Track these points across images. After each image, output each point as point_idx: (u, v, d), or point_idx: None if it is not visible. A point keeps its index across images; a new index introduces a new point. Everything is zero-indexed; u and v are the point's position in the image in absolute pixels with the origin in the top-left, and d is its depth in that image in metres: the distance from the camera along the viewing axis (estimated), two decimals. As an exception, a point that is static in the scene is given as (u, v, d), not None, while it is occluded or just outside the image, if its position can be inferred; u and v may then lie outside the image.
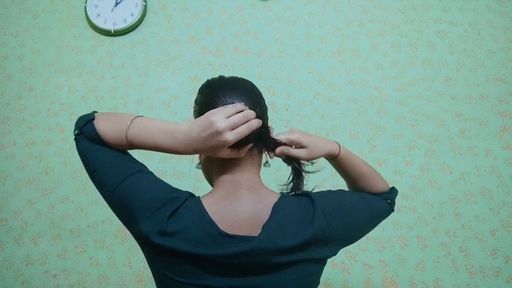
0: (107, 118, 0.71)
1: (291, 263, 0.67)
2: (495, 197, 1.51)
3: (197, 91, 0.76)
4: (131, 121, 0.69)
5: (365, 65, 1.70)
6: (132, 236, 0.74)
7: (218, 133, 0.64)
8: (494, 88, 1.61)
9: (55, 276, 1.59)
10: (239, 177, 0.72)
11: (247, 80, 0.78)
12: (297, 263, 0.67)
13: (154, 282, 0.73)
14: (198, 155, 0.82)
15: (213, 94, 0.71)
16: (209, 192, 0.75)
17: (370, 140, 1.62)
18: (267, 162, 0.80)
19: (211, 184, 0.80)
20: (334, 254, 0.74)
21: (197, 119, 0.69)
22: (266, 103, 0.79)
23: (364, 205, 0.79)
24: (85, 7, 1.81)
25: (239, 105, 0.68)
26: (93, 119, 0.70)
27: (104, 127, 0.69)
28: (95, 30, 1.81)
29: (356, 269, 1.50)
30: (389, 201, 0.86)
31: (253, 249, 0.64)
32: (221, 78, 0.76)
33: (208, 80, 0.77)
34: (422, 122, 1.62)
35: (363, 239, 1.48)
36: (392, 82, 1.67)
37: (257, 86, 0.79)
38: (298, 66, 1.71)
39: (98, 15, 1.80)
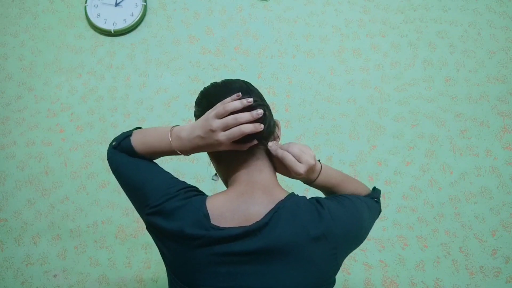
0: (141, 135, 0.82)
1: (287, 255, 0.67)
2: (495, 197, 1.51)
3: (194, 104, 0.79)
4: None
5: (365, 65, 1.69)
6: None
7: (213, 131, 0.70)
8: (494, 88, 1.61)
9: (55, 276, 1.59)
10: (256, 177, 0.74)
11: (241, 79, 0.79)
12: (297, 259, 0.67)
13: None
14: (213, 166, 0.85)
15: (210, 103, 0.74)
16: (223, 191, 0.76)
17: (370, 140, 1.62)
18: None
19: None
20: (339, 262, 0.73)
21: (199, 119, 0.73)
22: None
23: (364, 207, 0.79)
24: (85, 7, 1.81)
25: (228, 101, 0.71)
26: (130, 135, 0.81)
27: (136, 141, 0.81)
28: (95, 30, 1.81)
29: (356, 269, 1.50)
30: (375, 199, 0.88)
31: (245, 230, 0.67)
32: (215, 84, 0.78)
33: (201, 91, 0.79)
34: (422, 122, 1.62)
35: (363, 239, 1.48)
36: (392, 82, 1.67)
37: (257, 86, 0.79)
38: (298, 66, 1.71)
39: (98, 15, 1.80)
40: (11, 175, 1.69)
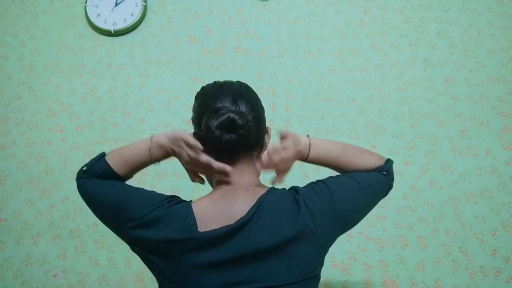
0: (116, 154, 0.86)
1: (275, 250, 0.68)
2: (495, 197, 1.51)
3: (195, 95, 0.81)
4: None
5: (365, 65, 1.69)
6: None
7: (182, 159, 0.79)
8: (494, 88, 1.61)
9: (55, 276, 1.59)
10: (237, 179, 0.76)
11: (241, 83, 0.80)
12: (283, 250, 0.68)
13: (154, 282, 0.74)
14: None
15: (205, 101, 0.76)
16: (206, 194, 0.78)
17: (370, 140, 1.62)
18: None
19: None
20: (326, 247, 0.74)
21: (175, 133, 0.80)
22: (266, 103, 0.79)
23: (353, 187, 0.77)
24: (85, 7, 1.81)
25: (205, 159, 0.75)
26: (104, 155, 0.85)
27: (114, 161, 0.85)
28: (95, 30, 1.81)
29: (356, 269, 1.50)
30: (384, 172, 0.84)
31: (230, 229, 0.67)
32: (214, 84, 0.80)
33: (202, 87, 0.81)
34: (422, 122, 1.62)
35: (363, 239, 1.48)
36: (392, 82, 1.67)
37: (257, 86, 0.80)
38: (298, 66, 1.71)
39: (98, 15, 1.80)
40: (11, 175, 1.69)
